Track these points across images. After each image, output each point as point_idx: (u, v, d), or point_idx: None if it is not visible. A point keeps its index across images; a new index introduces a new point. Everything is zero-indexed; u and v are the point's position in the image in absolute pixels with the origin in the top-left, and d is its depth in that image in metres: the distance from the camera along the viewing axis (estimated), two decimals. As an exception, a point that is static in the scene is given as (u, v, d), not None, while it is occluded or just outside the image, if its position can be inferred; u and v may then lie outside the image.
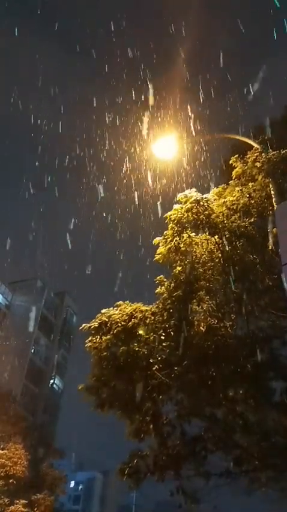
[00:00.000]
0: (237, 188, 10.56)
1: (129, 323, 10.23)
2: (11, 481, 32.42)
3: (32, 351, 57.95)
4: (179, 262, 10.75)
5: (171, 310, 10.21)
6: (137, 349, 9.73)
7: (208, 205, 10.26)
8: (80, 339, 11.51)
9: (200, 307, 10.53)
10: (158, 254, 10.84)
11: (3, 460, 32.62)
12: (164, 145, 11.04)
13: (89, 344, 10.42)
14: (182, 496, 9.98)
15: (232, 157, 10.96)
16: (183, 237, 10.55)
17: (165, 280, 11.01)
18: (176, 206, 10.53)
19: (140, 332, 10.03)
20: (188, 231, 10.54)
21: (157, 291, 10.95)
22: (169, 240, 10.63)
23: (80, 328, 10.85)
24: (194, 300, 10.36)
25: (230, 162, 11.04)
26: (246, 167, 10.47)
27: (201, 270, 10.54)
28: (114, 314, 10.53)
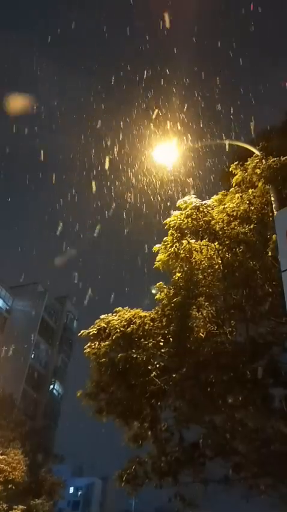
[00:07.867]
0: (237, 195, 10.55)
1: (128, 329, 10.23)
2: (9, 486, 32.31)
3: (32, 355, 57.73)
4: (178, 268, 10.75)
5: (170, 317, 10.22)
6: (135, 355, 9.73)
7: (208, 212, 10.28)
8: (80, 344, 11.53)
9: (199, 313, 10.53)
10: (158, 261, 10.85)
11: (2, 465, 32.50)
12: (164, 152, 11.08)
13: (88, 350, 10.43)
14: (180, 502, 9.96)
15: (232, 164, 10.97)
16: (183, 243, 10.55)
17: (164, 286, 11.02)
18: (175, 212, 10.55)
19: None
20: (187, 238, 10.55)
21: (156, 297, 10.96)
22: (168, 246, 10.64)
23: (79, 334, 10.86)
24: (194, 306, 10.36)
25: (230, 168, 11.04)
26: (246, 174, 10.45)
27: (201, 276, 10.53)
28: (113, 320, 10.54)
